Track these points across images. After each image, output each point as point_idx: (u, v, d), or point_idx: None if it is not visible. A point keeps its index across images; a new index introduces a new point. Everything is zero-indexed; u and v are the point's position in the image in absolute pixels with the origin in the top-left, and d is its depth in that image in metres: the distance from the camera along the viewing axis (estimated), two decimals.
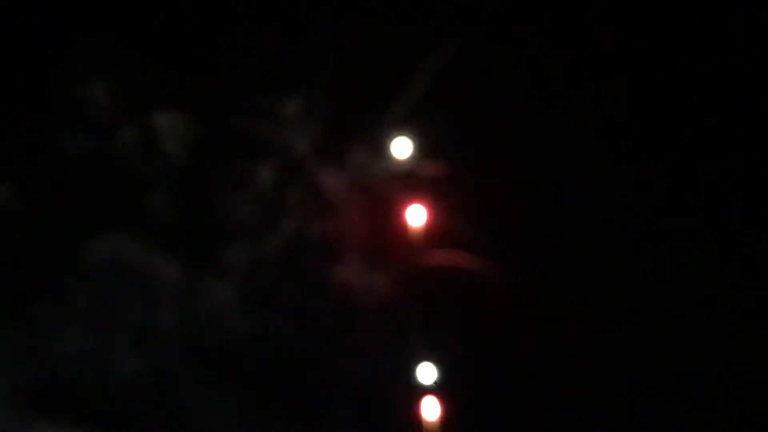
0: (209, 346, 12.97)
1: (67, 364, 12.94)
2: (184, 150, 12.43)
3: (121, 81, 12.34)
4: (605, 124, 12.27)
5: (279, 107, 12.38)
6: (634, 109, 12.21)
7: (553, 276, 12.40)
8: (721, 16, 12.01)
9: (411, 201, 12.42)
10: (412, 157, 12.30)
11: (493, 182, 12.48)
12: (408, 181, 12.58)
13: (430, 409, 12.67)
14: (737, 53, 12.09)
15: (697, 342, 11.99)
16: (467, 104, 12.14)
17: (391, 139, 12.20)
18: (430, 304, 12.78)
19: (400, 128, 12.27)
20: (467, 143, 12.38)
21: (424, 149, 12.34)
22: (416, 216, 12.42)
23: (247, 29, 12.51)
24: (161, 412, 13.06)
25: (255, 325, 12.99)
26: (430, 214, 12.42)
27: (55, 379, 12.97)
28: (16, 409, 13.09)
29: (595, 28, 12.21)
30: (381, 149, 12.42)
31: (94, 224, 12.41)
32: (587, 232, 12.49)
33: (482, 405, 12.32)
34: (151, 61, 12.45)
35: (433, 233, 12.49)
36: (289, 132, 12.53)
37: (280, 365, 13.21)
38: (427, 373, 12.62)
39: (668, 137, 12.32)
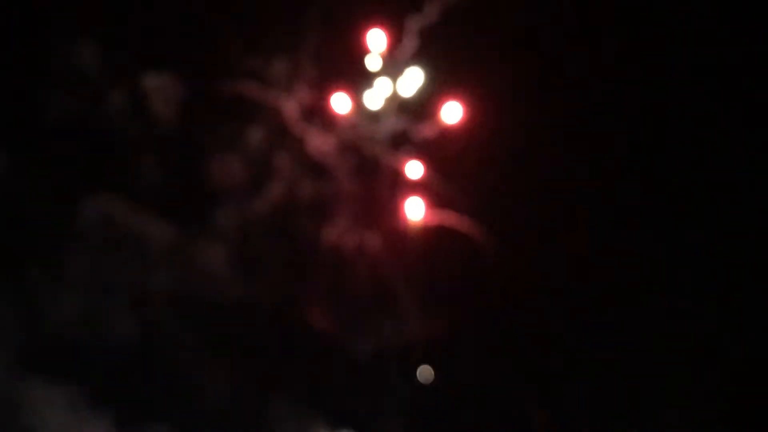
0: (202, 308, 13.06)
1: (63, 327, 13.09)
2: (173, 112, 12.49)
3: (110, 44, 12.41)
4: (602, 75, 12.11)
5: (268, 69, 12.41)
6: (629, 54, 12.02)
7: (541, 236, 12.34)
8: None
9: (404, 163, 12.40)
10: (406, 110, 12.24)
11: (486, 144, 12.41)
12: (399, 143, 12.54)
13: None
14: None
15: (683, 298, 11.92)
16: (462, 50, 12.04)
17: (381, 96, 12.17)
18: (421, 266, 12.76)
19: (393, 78, 12.23)
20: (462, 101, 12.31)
21: (415, 105, 12.28)
22: (411, 174, 12.40)
23: None
24: (156, 372, 13.18)
25: (247, 287, 13.04)
26: (423, 176, 12.38)
27: (52, 341, 13.13)
28: (15, 370, 13.26)
29: None
30: (370, 110, 12.39)
31: (85, 187, 12.50)
32: (580, 195, 12.40)
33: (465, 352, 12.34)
34: (140, 24, 12.52)
35: (424, 194, 12.45)
36: (278, 94, 12.53)
37: (272, 327, 13.26)
38: None
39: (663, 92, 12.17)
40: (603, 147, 12.18)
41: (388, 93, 12.22)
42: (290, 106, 12.39)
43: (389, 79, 12.17)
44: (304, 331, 13.03)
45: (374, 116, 12.29)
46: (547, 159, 12.28)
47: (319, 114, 12.39)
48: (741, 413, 11.71)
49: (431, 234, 12.67)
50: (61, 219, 12.39)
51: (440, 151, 12.44)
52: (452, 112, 12.36)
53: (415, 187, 12.54)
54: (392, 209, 12.68)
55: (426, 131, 12.36)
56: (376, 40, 12.05)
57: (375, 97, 12.18)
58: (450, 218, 12.56)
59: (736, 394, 11.68)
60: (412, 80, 12.23)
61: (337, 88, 12.17)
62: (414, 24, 11.96)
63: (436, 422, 12.86)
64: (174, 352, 13.01)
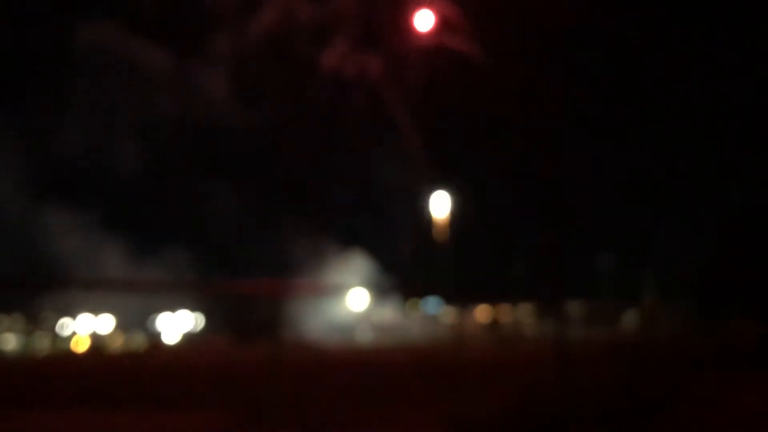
0: (205, 134, 12.93)
1: (70, 154, 13.04)
2: None
3: None
4: None
5: None
6: None
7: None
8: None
9: None
10: None
11: None
12: None
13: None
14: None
15: None
16: None
17: None
18: (420, 88, 12.68)
19: None
20: None
21: None
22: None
23: None
24: (165, 197, 13.13)
25: (247, 113, 12.92)
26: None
27: (61, 168, 13.05)
28: (28, 197, 13.22)
29: None
30: None
31: (82, 13, 12.25)
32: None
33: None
34: None
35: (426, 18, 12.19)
36: None
37: (274, 153, 13.17)
38: None
39: None
40: None
41: None
42: None
43: None
44: (308, 155, 13.04)
45: None
46: None
47: None
48: None
49: (435, 55, 12.50)
50: (62, 47, 12.12)
51: None
52: None
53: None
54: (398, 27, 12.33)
55: None
56: None
57: None
58: (455, 40, 12.38)
59: None
60: None
61: None
62: None
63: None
64: (181, 178, 12.95)
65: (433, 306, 70.35)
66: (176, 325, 72.22)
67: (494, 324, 72.18)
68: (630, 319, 70.35)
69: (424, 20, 12.98)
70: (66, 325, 72.35)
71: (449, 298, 64.09)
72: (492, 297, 72.57)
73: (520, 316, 72.87)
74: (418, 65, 12.32)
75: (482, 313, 74.55)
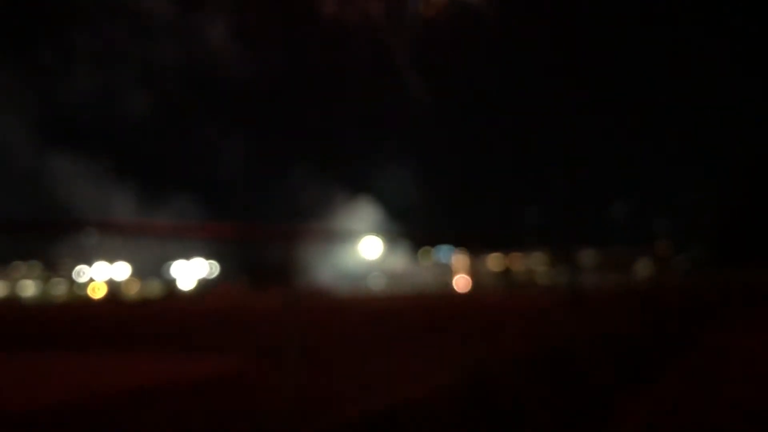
0: (208, 82, 12.92)
1: (78, 102, 13.14)
2: None
3: None
4: None
5: None
6: None
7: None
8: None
9: None
10: None
11: None
12: None
13: None
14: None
15: None
16: None
17: None
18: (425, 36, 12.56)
19: None
20: None
21: None
22: None
23: None
24: (172, 145, 13.24)
25: (250, 61, 12.89)
26: None
27: (69, 117, 13.15)
28: (38, 145, 13.40)
29: None
30: None
31: None
32: None
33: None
34: None
35: None
36: None
37: (279, 99, 13.17)
38: None
39: None
40: None
41: None
42: None
43: None
44: (312, 102, 13.04)
45: None
46: None
47: None
48: None
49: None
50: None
51: None
52: None
53: None
54: None
55: None
56: None
57: None
58: None
59: None
60: None
61: None
62: None
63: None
64: (187, 126, 13.06)
65: (445, 254, 70.62)
66: (191, 271, 72.94)
67: (506, 272, 72.45)
68: (643, 267, 70.41)
69: None
70: (82, 272, 73.20)
71: (461, 246, 64.19)
72: (504, 245, 72.74)
73: (533, 264, 73.06)
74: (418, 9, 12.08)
75: (494, 261, 74.80)
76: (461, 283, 57.29)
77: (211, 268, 73.08)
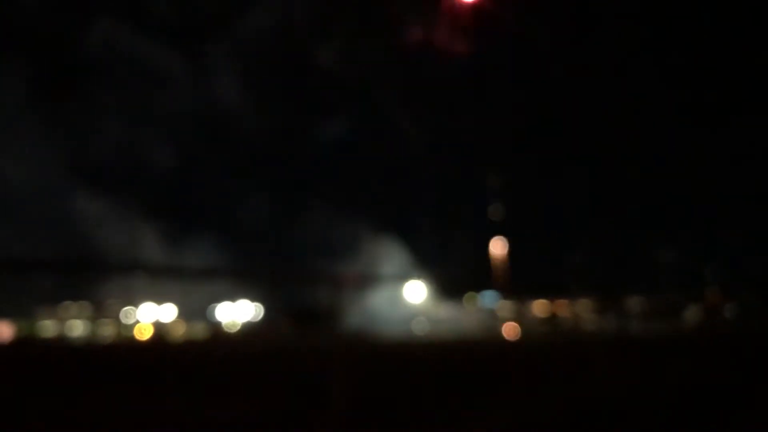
0: (228, 133, 13.12)
1: (105, 151, 13.42)
2: None
3: None
4: None
5: None
6: None
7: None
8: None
9: None
10: None
11: None
12: None
13: None
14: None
15: None
16: None
17: None
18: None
19: None
20: None
21: None
22: None
23: None
24: (195, 191, 13.47)
25: (264, 113, 13.05)
26: None
27: (97, 164, 13.31)
28: (70, 187, 13.83)
29: None
30: None
31: (94, 11, 12.64)
32: None
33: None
34: None
35: None
36: None
37: (295, 150, 13.24)
38: None
39: None
40: None
41: None
42: None
43: None
44: (333, 144, 13.18)
45: None
46: None
47: None
48: None
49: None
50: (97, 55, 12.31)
51: None
52: None
53: None
54: None
55: None
56: None
57: None
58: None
59: None
60: None
61: None
62: None
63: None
64: (210, 173, 13.35)
65: (490, 299, 69.96)
66: (236, 313, 73.39)
67: (552, 318, 71.35)
68: (692, 314, 68.72)
69: None
70: (130, 313, 74.20)
71: (506, 293, 63.54)
72: (550, 291, 71.72)
73: (579, 310, 71.86)
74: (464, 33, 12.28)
75: (540, 307, 73.75)
76: (511, 330, 56.49)
77: (256, 310, 73.50)
